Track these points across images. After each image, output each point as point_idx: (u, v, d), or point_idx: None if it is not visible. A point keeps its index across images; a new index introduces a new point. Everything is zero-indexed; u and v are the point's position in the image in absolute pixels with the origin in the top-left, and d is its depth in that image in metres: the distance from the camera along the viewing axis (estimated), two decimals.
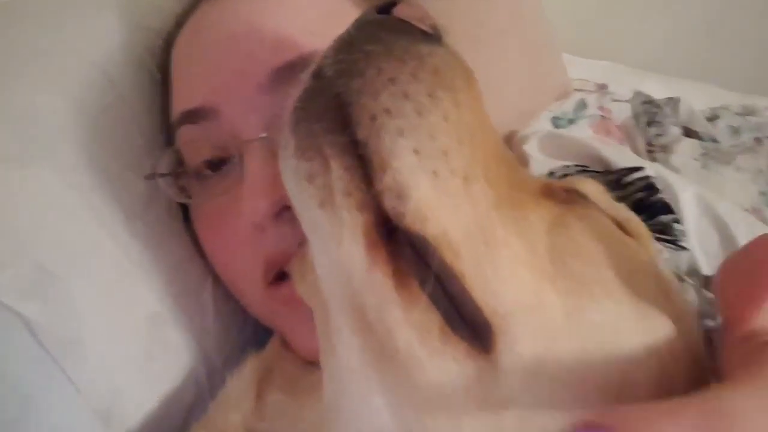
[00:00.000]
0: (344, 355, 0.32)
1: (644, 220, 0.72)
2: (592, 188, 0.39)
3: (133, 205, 0.52)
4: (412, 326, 0.29)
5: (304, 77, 0.32)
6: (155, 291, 0.51)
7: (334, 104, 0.29)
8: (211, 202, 0.52)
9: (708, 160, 1.16)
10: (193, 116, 0.51)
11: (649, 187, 0.73)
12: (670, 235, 0.71)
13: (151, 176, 0.53)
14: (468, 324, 0.29)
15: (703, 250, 0.68)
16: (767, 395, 0.24)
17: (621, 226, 0.38)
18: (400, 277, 0.29)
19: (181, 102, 0.53)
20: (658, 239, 0.71)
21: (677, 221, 0.71)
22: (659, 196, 0.72)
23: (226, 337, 0.56)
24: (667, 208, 0.71)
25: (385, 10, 0.33)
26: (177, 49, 0.56)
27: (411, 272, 0.29)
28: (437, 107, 0.29)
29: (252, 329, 0.59)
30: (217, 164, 0.51)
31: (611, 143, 1.01)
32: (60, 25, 0.57)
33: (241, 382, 0.48)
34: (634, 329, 0.32)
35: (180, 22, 0.58)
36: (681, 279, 0.64)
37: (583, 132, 1.10)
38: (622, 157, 0.79)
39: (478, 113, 0.31)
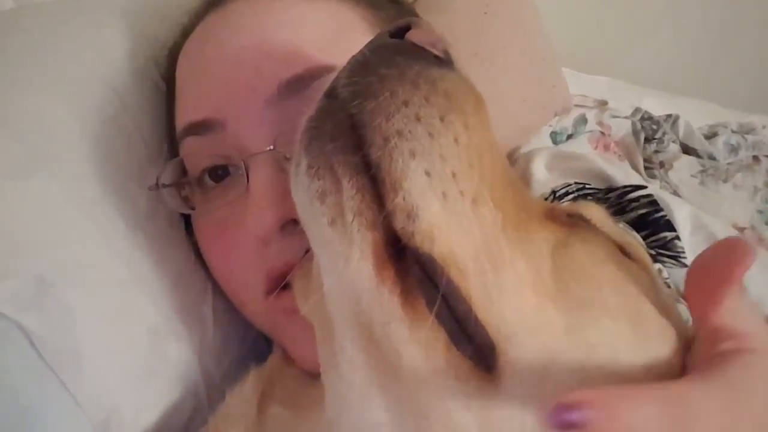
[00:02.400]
0: (348, 371, 0.33)
1: (647, 236, 0.73)
2: (596, 212, 0.39)
3: (135, 216, 0.52)
4: (418, 344, 0.30)
5: (318, 97, 0.33)
6: (156, 303, 0.50)
7: (348, 125, 0.30)
8: (214, 213, 0.52)
9: (706, 177, 1.17)
10: (199, 128, 0.51)
11: (652, 203, 0.74)
12: (673, 251, 0.72)
13: (155, 187, 0.53)
14: (472, 343, 0.30)
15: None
16: (723, 396, 0.27)
17: (623, 249, 0.38)
18: (407, 295, 0.30)
19: (187, 113, 0.53)
20: (660, 254, 0.72)
21: (678, 238, 0.72)
22: (662, 213, 0.73)
23: (225, 350, 0.56)
24: (669, 225, 0.72)
25: (399, 34, 0.34)
26: (183, 60, 0.56)
27: (418, 291, 0.29)
28: (448, 130, 0.30)
29: (251, 342, 0.59)
30: (220, 175, 0.51)
31: (615, 161, 1.01)
32: (65, 34, 0.58)
33: (242, 396, 0.48)
34: (633, 350, 0.33)
35: (186, 33, 0.58)
36: (679, 299, 0.65)
37: (582, 147, 1.11)
38: (625, 175, 0.80)
39: (487, 136, 0.32)
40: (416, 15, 0.64)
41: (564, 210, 0.38)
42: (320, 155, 0.31)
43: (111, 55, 0.58)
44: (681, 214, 0.76)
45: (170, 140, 0.58)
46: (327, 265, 0.32)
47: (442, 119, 0.30)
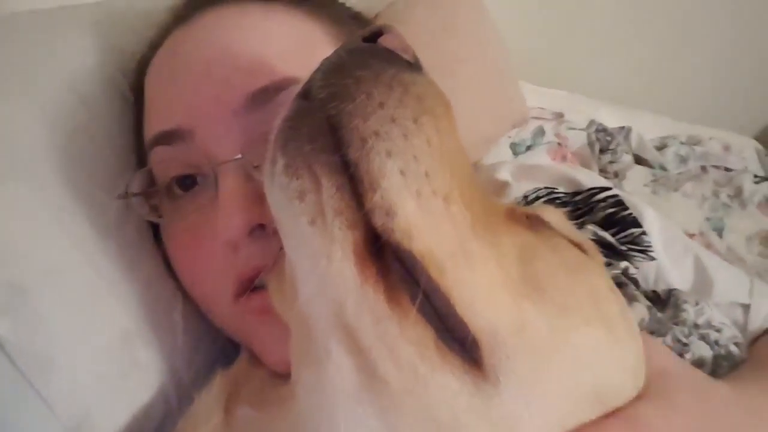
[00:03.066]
0: (335, 377, 0.32)
1: (616, 233, 0.76)
2: (554, 215, 0.41)
3: (104, 224, 0.53)
4: (410, 342, 0.30)
5: (285, 106, 0.34)
6: (126, 309, 0.51)
7: (326, 126, 0.31)
8: (182, 221, 0.53)
9: (657, 186, 1.22)
10: (168, 137, 0.52)
11: (619, 203, 0.77)
12: (641, 246, 0.76)
13: (124, 195, 0.54)
14: (457, 339, 0.30)
15: (669, 258, 0.72)
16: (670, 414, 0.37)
17: (578, 246, 0.40)
18: (390, 292, 0.30)
19: (156, 123, 0.54)
20: (630, 249, 0.75)
21: (645, 233, 0.76)
22: (628, 211, 0.77)
23: (195, 355, 0.57)
24: (635, 223, 0.76)
25: (371, 39, 0.35)
26: (151, 72, 0.57)
27: (401, 288, 0.30)
28: (421, 132, 0.31)
29: (220, 347, 0.60)
30: (188, 185, 0.52)
31: (579, 167, 1.05)
32: (35, 44, 0.58)
33: (209, 397, 0.48)
34: (611, 355, 0.35)
35: (154, 45, 0.59)
36: (635, 299, 0.68)
37: (540, 158, 1.15)
38: (590, 178, 0.84)
39: (454, 139, 0.33)
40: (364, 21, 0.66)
41: (523, 212, 0.40)
42: (298, 155, 0.31)
43: (80, 66, 0.59)
44: (648, 212, 0.80)
45: (139, 150, 0.59)
46: (306, 266, 0.33)
47: (415, 121, 0.30)
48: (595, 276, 0.38)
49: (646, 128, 1.33)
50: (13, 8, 0.62)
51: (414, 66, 0.34)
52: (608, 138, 1.23)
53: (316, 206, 0.30)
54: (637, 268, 0.73)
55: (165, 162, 0.53)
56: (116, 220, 0.54)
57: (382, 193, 0.29)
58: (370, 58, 0.33)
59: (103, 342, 0.49)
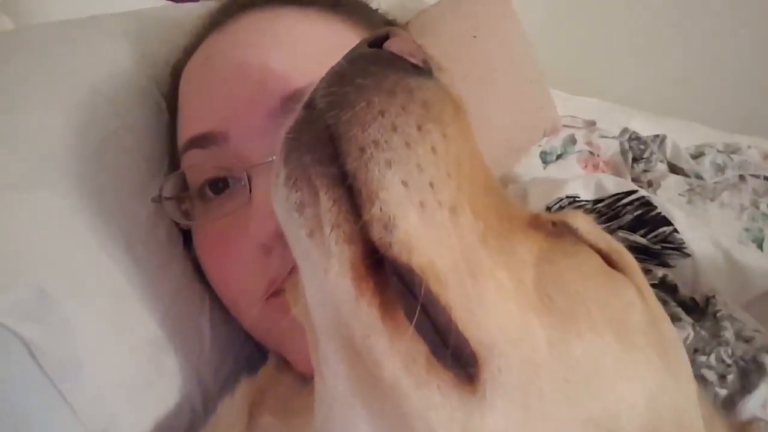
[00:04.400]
0: (332, 382, 0.33)
1: (646, 234, 0.74)
2: (582, 221, 0.39)
3: (134, 230, 0.53)
4: (398, 356, 0.29)
5: (297, 108, 0.33)
6: (154, 316, 0.51)
7: (325, 136, 0.30)
8: (214, 223, 0.53)
9: (693, 195, 1.19)
10: (202, 141, 0.52)
11: (646, 204, 0.75)
12: (675, 243, 0.73)
13: (158, 199, 0.54)
14: (454, 354, 0.29)
15: (701, 254, 0.70)
16: None
17: (610, 258, 0.38)
18: (386, 307, 0.29)
19: (190, 127, 0.54)
20: (664, 248, 0.73)
21: (677, 231, 0.74)
22: (657, 211, 0.75)
23: (222, 362, 0.57)
24: (665, 221, 0.74)
25: (377, 43, 0.34)
26: (186, 77, 0.57)
27: (398, 303, 0.29)
28: (425, 140, 0.29)
29: (248, 355, 0.60)
30: (220, 187, 0.52)
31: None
32: (66, 53, 0.59)
33: (232, 406, 0.48)
34: (621, 369, 0.33)
35: (189, 51, 0.59)
36: (678, 318, 0.66)
37: (571, 167, 1.13)
38: (616, 184, 0.82)
39: (467, 145, 0.32)
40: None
41: (549, 219, 0.38)
42: (298, 166, 0.31)
43: (111, 74, 0.59)
44: (676, 212, 0.77)
45: (171, 156, 0.60)
46: (307, 276, 0.32)
47: (419, 128, 0.29)
48: (617, 284, 0.36)
49: (681, 136, 1.30)
50: (46, 18, 0.63)
51: (422, 70, 0.33)
52: (642, 146, 1.21)
53: (314, 219, 0.30)
54: (673, 266, 0.71)
55: (198, 165, 0.53)
56: (146, 226, 0.54)
57: (381, 205, 0.28)
58: (372, 64, 0.32)
59: (129, 348, 0.49)
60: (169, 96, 0.60)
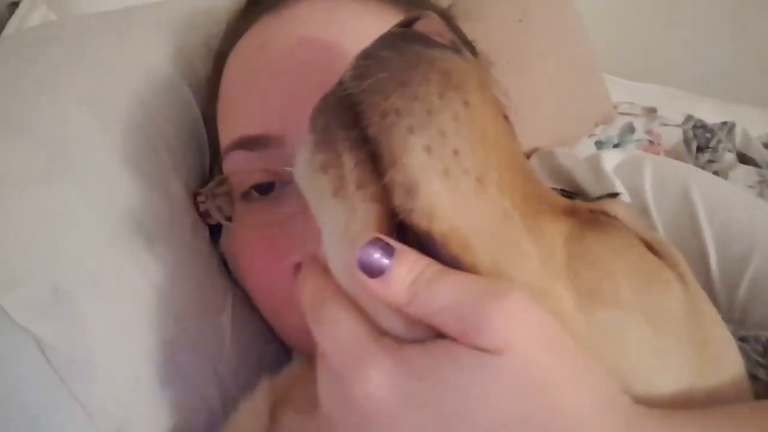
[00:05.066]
0: None
1: None
2: (622, 210, 0.38)
3: (155, 225, 0.52)
4: (408, 326, 0.30)
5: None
6: (171, 315, 0.50)
7: (348, 103, 0.31)
8: (259, 228, 0.50)
9: (765, 188, 1.10)
10: (252, 143, 0.49)
11: None
12: None
13: (208, 193, 0.52)
14: None
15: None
16: None
17: (652, 247, 0.36)
18: None
19: (239, 126, 0.50)
20: None
21: None
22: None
23: (244, 362, 0.55)
24: None
25: (407, 26, 0.35)
26: (235, 64, 0.54)
27: None
28: (447, 107, 0.29)
29: (272, 354, 0.58)
30: (265, 188, 0.49)
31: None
32: (98, 45, 0.58)
33: (252, 406, 0.47)
34: (646, 351, 0.32)
35: (236, 31, 0.55)
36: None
37: None
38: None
39: (492, 119, 0.31)
40: (450, 18, 0.62)
41: (586, 207, 0.37)
42: (322, 131, 0.32)
43: (140, 66, 0.58)
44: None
45: (197, 144, 0.58)
46: (330, 240, 0.32)
47: (441, 96, 0.29)
48: (650, 265, 0.34)
49: (753, 124, 1.21)
50: (89, 12, 0.63)
51: (448, 47, 0.32)
52: (708, 134, 1.13)
53: (338, 179, 0.30)
54: None
55: (244, 168, 0.50)
56: (167, 221, 0.53)
57: (403, 169, 0.28)
58: (399, 41, 0.32)
59: (144, 348, 0.48)
60: (210, 80, 0.57)
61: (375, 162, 0.29)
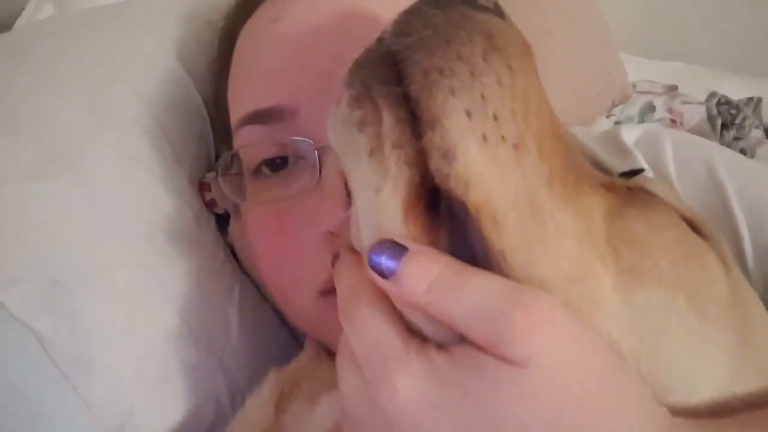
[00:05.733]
0: None
1: None
2: (662, 188, 0.36)
3: (156, 218, 0.51)
4: None
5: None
6: (174, 306, 0.49)
7: (390, 60, 0.29)
8: (271, 204, 0.48)
9: None
10: (264, 116, 0.47)
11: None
12: None
13: (218, 175, 0.51)
14: None
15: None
16: None
17: (693, 225, 0.34)
18: (430, 245, 0.29)
19: (250, 100, 0.49)
20: None
21: None
22: None
23: (251, 353, 0.54)
24: None
25: None
26: (246, 39, 0.52)
27: (442, 242, 0.29)
28: (491, 70, 0.28)
29: (282, 345, 0.57)
30: (277, 164, 0.48)
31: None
32: (95, 38, 0.58)
33: (260, 397, 0.46)
34: (689, 338, 0.30)
35: (247, 9, 0.54)
36: None
37: None
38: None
39: (534, 85, 0.30)
40: None
41: (624, 184, 0.35)
42: (361, 87, 0.30)
43: (137, 58, 0.58)
44: None
45: (218, 128, 0.57)
46: (362, 202, 0.30)
47: (484, 58, 0.28)
48: (692, 244, 0.33)
49: None
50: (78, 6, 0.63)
51: (492, 10, 0.31)
52: (733, 111, 1.08)
53: (376, 138, 0.29)
54: None
55: (256, 143, 0.48)
56: (170, 213, 0.52)
57: (442, 132, 0.27)
58: (444, 1, 0.30)
59: (146, 341, 0.47)
60: (219, 59, 0.56)
61: (414, 122, 0.28)
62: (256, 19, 0.52)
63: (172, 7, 0.65)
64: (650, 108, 1.05)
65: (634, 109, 1.04)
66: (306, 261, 0.46)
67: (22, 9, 1.02)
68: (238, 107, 0.50)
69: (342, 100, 0.31)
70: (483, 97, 0.28)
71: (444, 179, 0.27)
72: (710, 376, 0.30)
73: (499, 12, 0.32)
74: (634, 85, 1.09)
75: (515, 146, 0.28)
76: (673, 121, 1.06)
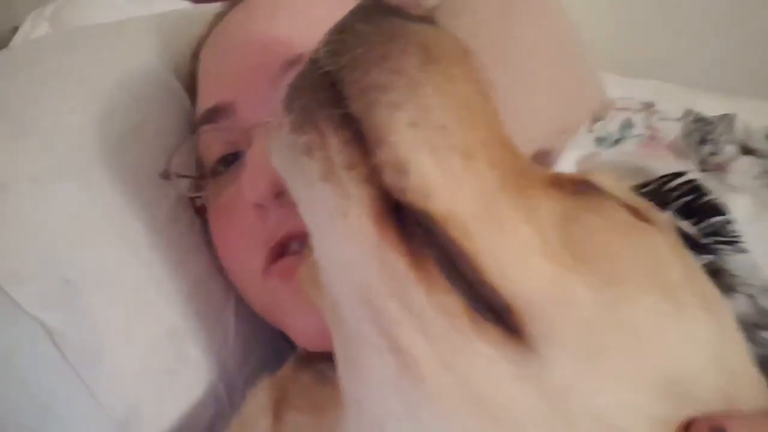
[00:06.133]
0: (372, 364, 0.29)
1: (695, 224, 0.68)
2: (606, 179, 0.36)
3: (156, 221, 0.53)
4: (440, 311, 0.27)
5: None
6: (176, 306, 0.51)
7: (327, 82, 0.29)
8: (220, 196, 0.52)
9: None
10: (213, 114, 0.52)
11: (696, 189, 0.69)
12: (727, 236, 0.67)
13: (165, 174, 0.54)
14: (488, 308, 0.27)
15: (762, 251, 0.64)
16: None
17: (638, 214, 0.35)
18: (413, 255, 0.27)
19: (203, 103, 0.54)
20: (716, 242, 0.67)
21: (730, 222, 0.67)
22: (707, 198, 0.68)
23: (247, 355, 0.56)
24: (718, 210, 0.68)
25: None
26: (202, 56, 0.58)
27: (424, 251, 0.27)
28: (430, 81, 0.28)
29: (276, 349, 0.59)
30: (231, 161, 0.52)
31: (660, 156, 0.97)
32: (95, 52, 0.61)
33: (255, 403, 0.47)
34: (679, 330, 0.30)
35: (208, 32, 0.60)
36: (732, 288, 0.60)
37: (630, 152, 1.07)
38: (667, 166, 0.76)
39: (476, 92, 0.30)
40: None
41: (569, 178, 0.35)
42: (302, 112, 0.30)
43: (136, 71, 0.60)
44: (743, 201, 0.70)
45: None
46: (321, 229, 0.30)
47: (422, 70, 0.28)
48: (651, 239, 0.33)
49: (754, 116, 1.20)
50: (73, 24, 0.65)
51: (424, 19, 0.31)
52: (707, 127, 1.13)
53: (325, 162, 0.28)
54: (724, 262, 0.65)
55: (211, 143, 0.53)
56: (167, 217, 0.55)
57: (391, 148, 0.27)
58: (373, 14, 0.31)
59: (151, 337, 0.49)
60: (190, 77, 0.60)
61: (361, 141, 0.28)
62: (209, 39, 0.58)
63: (164, 25, 0.68)
64: (629, 124, 1.09)
65: (613, 125, 1.08)
66: (246, 240, 0.49)
67: (16, 28, 1.05)
68: (196, 113, 0.56)
69: (284, 127, 0.30)
70: (426, 108, 0.27)
71: (401, 193, 0.27)
72: (705, 351, 0.30)
73: (431, 20, 0.32)
74: (612, 103, 1.13)
75: (466, 154, 0.28)
76: (651, 137, 1.10)
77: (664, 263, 0.32)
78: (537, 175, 0.34)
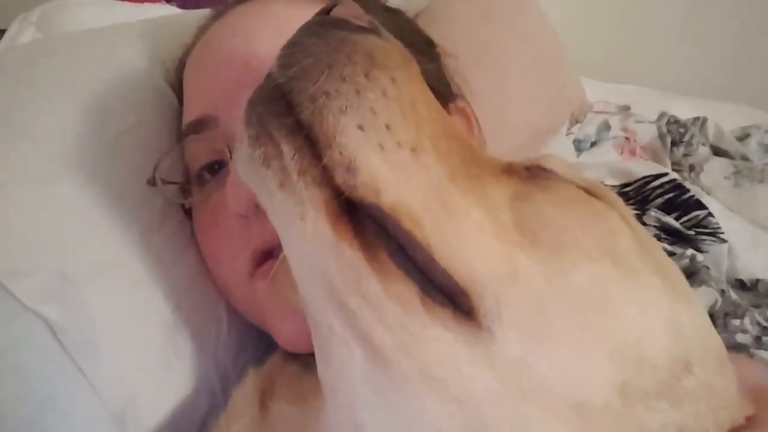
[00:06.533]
0: (344, 356, 0.31)
1: (678, 218, 0.71)
2: (556, 162, 0.38)
3: (149, 220, 0.55)
4: (394, 299, 0.29)
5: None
6: (168, 303, 0.53)
7: (278, 94, 0.31)
8: (206, 203, 0.55)
9: (740, 178, 1.13)
10: (197, 126, 0.54)
11: (678, 187, 0.72)
12: (709, 228, 0.70)
13: (151, 181, 0.55)
14: (442, 292, 0.29)
15: (738, 240, 0.67)
16: None
17: (589, 191, 0.37)
18: (367, 248, 0.29)
19: (187, 115, 0.57)
20: (698, 233, 0.70)
21: (711, 215, 0.70)
22: (690, 194, 0.71)
23: (241, 351, 0.57)
24: (699, 204, 0.71)
25: (326, 13, 0.36)
26: (187, 68, 0.60)
27: (376, 243, 0.29)
28: (375, 85, 0.30)
29: (267, 344, 0.60)
30: (216, 169, 0.54)
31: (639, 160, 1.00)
32: (87, 57, 0.62)
33: (242, 394, 0.48)
34: (627, 295, 0.32)
35: (193, 43, 0.62)
36: (704, 283, 0.63)
37: (607, 153, 1.10)
38: (646, 168, 0.79)
39: (420, 91, 0.33)
40: (411, 23, 0.67)
41: (522, 164, 0.37)
42: (257, 125, 0.32)
43: (128, 75, 0.62)
44: (714, 204, 0.73)
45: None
46: (285, 233, 0.32)
47: (366, 75, 0.30)
48: (600, 211, 0.35)
49: (725, 119, 1.24)
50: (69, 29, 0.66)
51: (368, 29, 0.34)
52: (681, 129, 1.16)
53: (281, 171, 0.30)
54: (706, 251, 0.68)
55: (195, 152, 0.55)
56: (160, 217, 0.56)
57: (339, 149, 0.29)
58: (320, 28, 0.33)
59: (146, 331, 0.50)
60: (177, 90, 0.62)
61: (313, 147, 0.30)
62: (193, 50, 0.60)
63: (156, 30, 0.69)
64: (606, 127, 1.12)
65: (591, 127, 1.11)
66: (231, 250, 0.52)
67: (2, 31, 1.05)
68: (183, 124, 0.58)
69: (243, 141, 0.32)
70: (372, 110, 0.30)
71: (352, 191, 0.29)
72: (655, 314, 0.32)
73: (375, 30, 0.34)
74: (590, 106, 1.16)
75: (413, 150, 0.30)
76: (627, 138, 1.14)
77: (612, 232, 0.34)
78: (489, 163, 0.36)
